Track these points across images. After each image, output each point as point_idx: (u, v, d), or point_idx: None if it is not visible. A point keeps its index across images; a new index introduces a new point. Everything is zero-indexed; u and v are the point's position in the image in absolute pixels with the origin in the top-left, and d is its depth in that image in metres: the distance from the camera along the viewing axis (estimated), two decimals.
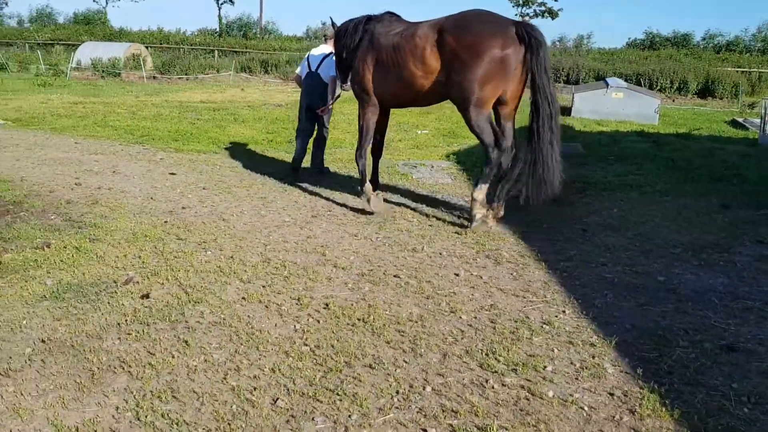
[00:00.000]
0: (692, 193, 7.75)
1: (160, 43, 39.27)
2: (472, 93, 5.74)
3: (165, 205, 6.67)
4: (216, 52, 37.29)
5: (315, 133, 8.53)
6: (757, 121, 15.69)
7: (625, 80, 24.35)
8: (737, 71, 30.00)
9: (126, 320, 3.90)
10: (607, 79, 20.64)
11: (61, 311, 4.02)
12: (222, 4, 52.54)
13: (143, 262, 4.91)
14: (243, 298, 4.29)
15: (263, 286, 4.49)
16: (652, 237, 5.95)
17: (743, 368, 3.47)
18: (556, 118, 5.79)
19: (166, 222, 6.01)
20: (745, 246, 5.71)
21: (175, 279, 4.57)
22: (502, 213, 6.32)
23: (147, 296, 4.25)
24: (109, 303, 4.15)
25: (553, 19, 50.50)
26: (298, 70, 8.63)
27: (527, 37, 5.63)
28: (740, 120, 17.57)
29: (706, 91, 28.02)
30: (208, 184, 7.67)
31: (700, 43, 48.19)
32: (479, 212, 6.13)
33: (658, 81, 28.23)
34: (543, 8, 50.29)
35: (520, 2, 49.94)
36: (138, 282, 4.51)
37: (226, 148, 10.23)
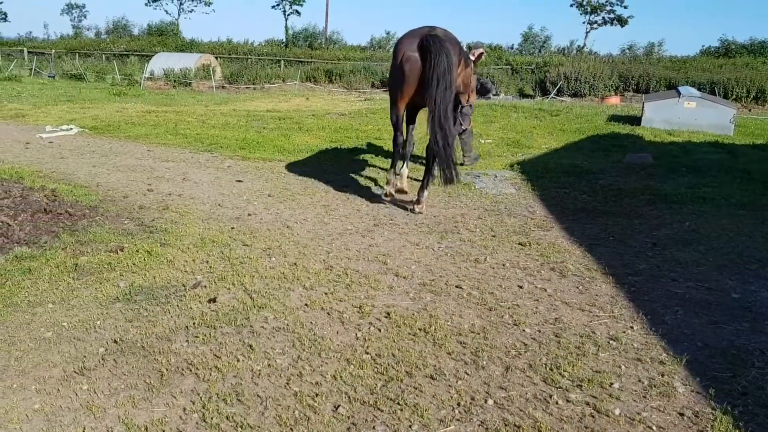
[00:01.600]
0: (766, 205, 7.40)
1: (229, 54, 40.40)
2: (390, 93, 7.23)
3: (232, 211, 6.84)
4: (282, 62, 38.08)
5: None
6: None
7: (699, 89, 23.53)
8: None
9: (194, 323, 4.01)
10: (679, 88, 19.98)
11: (132, 313, 4.17)
12: (289, 15, 53.84)
13: (210, 266, 5.05)
14: (306, 304, 4.35)
15: (325, 294, 4.54)
16: (726, 252, 5.72)
17: None
18: (440, 119, 6.45)
19: (232, 228, 6.16)
20: None
21: (241, 284, 4.67)
22: (399, 186, 7.62)
23: (214, 300, 4.36)
24: (178, 306, 4.28)
25: (622, 26, 49.51)
26: None
27: (424, 47, 6.59)
28: None
29: None
30: (273, 192, 7.81)
31: None
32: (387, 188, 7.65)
33: (734, 90, 27.16)
34: (612, 15, 49.34)
35: (588, 10, 49.11)
36: (205, 286, 4.63)
37: (290, 156, 10.41)
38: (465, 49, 8.16)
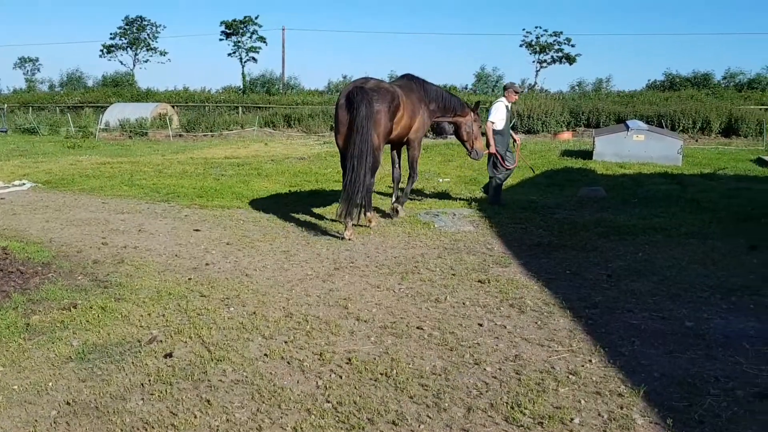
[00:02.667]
0: (719, 235, 7.64)
1: (186, 102, 40.37)
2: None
3: (189, 261, 6.75)
4: (240, 108, 38.18)
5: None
6: None
7: (647, 122, 24.31)
8: (761, 109, 29.83)
9: (149, 380, 3.92)
10: (628, 122, 20.63)
11: (86, 372, 4.05)
12: (245, 62, 54.09)
13: (167, 320, 4.95)
14: (265, 354, 4.29)
15: (285, 342, 4.49)
16: (679, 281, 5.86)
17: None
18: (359, 157, 7.47)
19: (190, 279, 6.07)
20: None
21: (198, 337, 4.59)
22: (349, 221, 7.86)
23: (170, 355, 4.27)
24: (133, 363, 4.17)
25: (571, 64, 51.12)
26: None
27: (349, 98, 7.68)
28: (766, 158, 17.38)
29: (729, 130, 27.85)
30: (232, 240, 7.75)
31: (721, 82, 48.19)
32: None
33: (680, 122, 28.15)
34: (560, 54, 50.93)
35: (537, 50, 50.64)
36: (161, 341, 4.53)
37: (249, 203, 10.37)
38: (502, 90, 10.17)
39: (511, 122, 10.08)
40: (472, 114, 9.74)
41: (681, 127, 27.83)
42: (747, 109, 29.14)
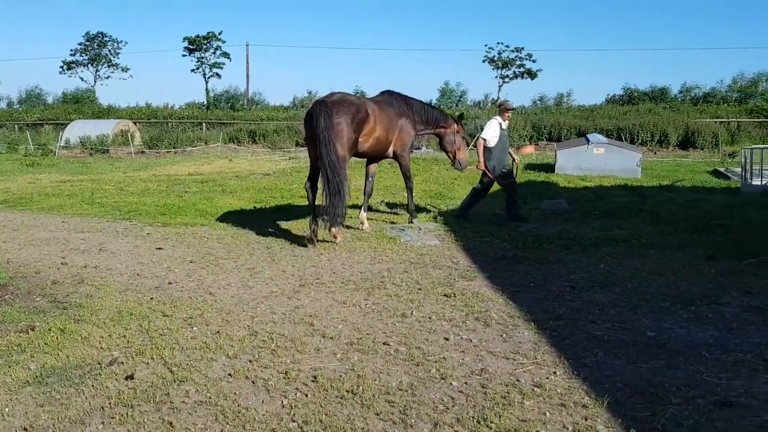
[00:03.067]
0: (678, 246, 7.80)
1: (149, 119, 39.90)
2: None
3: (151, 281, 6.63)
4: (204, 124, 37.88)
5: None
6: (739, 170, 15.99)
7: (607, 135, 24.84)
8: (716, 122, 30.72)
9: (110, 403, 3.82)
10: (588, 136, 21.04)
11: (44, 397, 3.93)
12: (209, 77, 53.73)
13: (128, 341, 4.85)
14: (229, 374, 4.22)
15: (250, 361, 4.43)
16: (640, 291, 5.96)
17: (737, 424, 3.42)
18: (332, 168, 7.85)
19: (152, 298, 5.96)
20: (732, 297, 5.72)
21: (161, 357, 4.50)
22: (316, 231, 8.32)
23: (131, 377, 4.18)
24: (92, 386, 4.07)
25: (532, 79, 51.99)
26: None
27: (311, 111, 8.15)
28: (722, 170, 17.89)
29: (686, 143, 28.61)
30: (195, 258, 7.65)
31: (677, 96, 49.45)
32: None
33: (639, 135, 28.82)
34: (522, 69, 51.77)
35: (500, 65, 51.38)
36: (122, 362, 4.43)
37: (213, 220, 10.26)
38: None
39: (507, 139, 10.11)
40: (455, 125, 10.17)
41: (640, 140, 28.50)
42: (703, 122, 30.01)
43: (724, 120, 31.89)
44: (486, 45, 55.90)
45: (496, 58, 51.56)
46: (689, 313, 5.30)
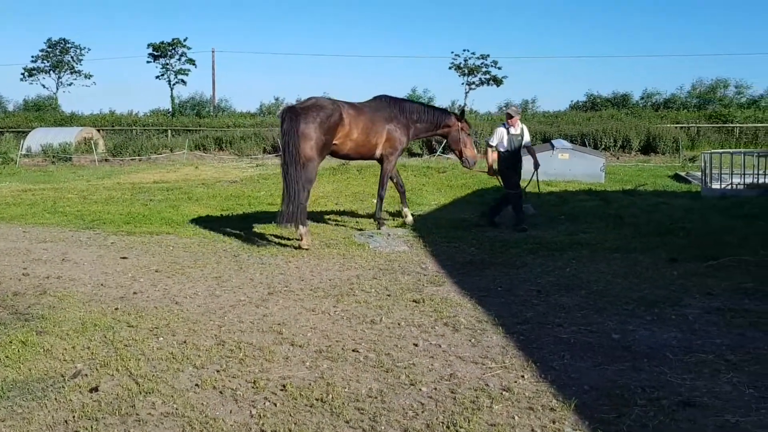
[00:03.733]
0: (641, 249, 7.95)
1: (113, 126, 39.17)
2: None
3: (116, 291, 6.52)
4: (169, 131, 37.35)
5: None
6: (699, 174, 16.35)
7: (571, 141, 25.20)
8: (676, 127, 31.40)
9: (73, 417, 3.74)
10: (553, 141, 21.33)
11: (5, 411, 3.83)
12: (174, 84, 53.00)
13: (92, 353, 4.75)
14: (196, 385, 4.17)
15: (217, 371, 4.38)
16: (605, 294, 6.06)
17: (700, 424, 3.50)
18: (287, 168, 8.33)
19: (116, 309, 5.86)
20: (694, 299, 5.85)
21: (126, 369, 4.42)
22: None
23: (96, 389, 4.10)
24: (56, 399, 3.98)
25: (498, 86, 52.45)
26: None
27: (281, 117, 8.72)
28: (683, 174, 18.29)
29: (648, 148, 29.19)
30: (161, 267, 7.54)
31: (639, 102, 50.36)
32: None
33: (602, 140, 29.31)
34: (488, 76, 52.22)
35: (466, 72, 51.79)
36: (87, 375, 4.35)
37: (179, 228, 10.13)
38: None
39: (519, 144, 9.95)
40: (458, 123, 10.18)
41: (603, 146, 28.98)
42: (664, 127, 30.62)
43: (684, 125, 32.61)
44: (452, 52, 56.13)
45: (462, 65, 51.87)
46: (653, 315, 5.41)
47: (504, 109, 50.15)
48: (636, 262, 7.23)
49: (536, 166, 10.07)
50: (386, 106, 9.66)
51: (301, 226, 8.40)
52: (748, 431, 3.42)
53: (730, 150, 17.90)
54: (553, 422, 3.57)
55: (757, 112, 37.35)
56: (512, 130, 9.93)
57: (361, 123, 9.13)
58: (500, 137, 9.98)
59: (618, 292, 6.11)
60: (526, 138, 10.10)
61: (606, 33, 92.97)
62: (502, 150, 9.96)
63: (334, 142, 8.85)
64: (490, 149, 10.21)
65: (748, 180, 13.93)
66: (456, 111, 11.04)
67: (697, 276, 6.59)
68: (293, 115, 8.44)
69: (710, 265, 6.97)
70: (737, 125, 32.62)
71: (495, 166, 10.19)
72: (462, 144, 10.25)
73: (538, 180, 10.60)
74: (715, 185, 13.82)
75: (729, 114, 35.33)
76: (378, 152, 9.58)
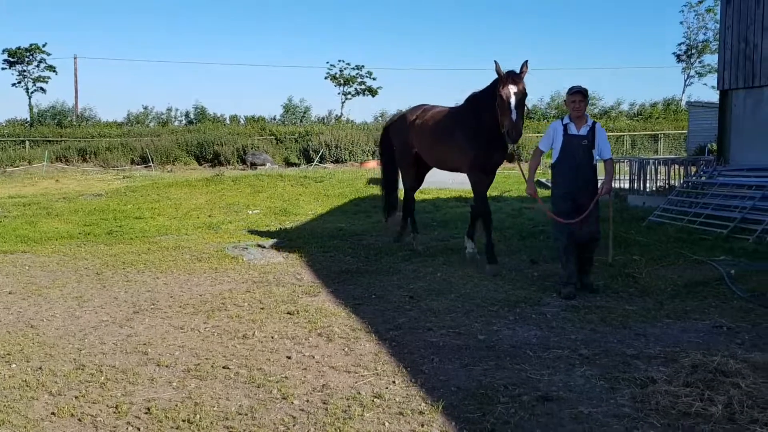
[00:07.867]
0: (506, 252, 8.37)
1: None
2: None
3: None
4: (27, 142, 34.84)
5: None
6: None
7: None
8: (537, 136, 33.32)
9: None
10: None
11: None
12: (33, 92, 49.44)
13: None
14: (52, 413, 3.90)
15: (76, 397, 4.12)
16: (473, 297, 6.31)
17: (557, 417, 3.73)
18: None
19: None
20: (553, 298, 6.24)
21: None
22: None
23: None
24: None
25: (373, 96, 53.28)
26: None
27: None
28: (544, 180, 19.38)
29: (513, 156, 30.73)
30: (15, 288, 7.00)
31: None
32: None
33: None
34: (363, 87, 52.93)
35: (342, 82, 52.22)
36: None
37: (37, 246, 9.45)
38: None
39: (582, 150, 6.48)
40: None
41: None
42: (526, 136, 32.42)
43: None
44: (328, 62, 56.28)
45: (338, 75, 52.24)
46: (515, 315, 5.70)
47: (380, 119, 51.03)
48: (501, 265, 7.58)
49: None
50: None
51: None
52: (599, 421, 3.67)
53: None
54: (422, 425, 3.67)
55: (608, 121, 40.47)
56: (571, 127, 6.55)
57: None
58: (548, 138, 6.80)
59: (484, 294, 6.39)
60: None
61: (465, 45, 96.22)
62: (553, 160, 6.81)
63: None
64: (538, 152, 7.22)
65: None
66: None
67: (555, 276, 7.00)
68: None
69: None
70: None
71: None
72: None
73: None
74: None
75: None
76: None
